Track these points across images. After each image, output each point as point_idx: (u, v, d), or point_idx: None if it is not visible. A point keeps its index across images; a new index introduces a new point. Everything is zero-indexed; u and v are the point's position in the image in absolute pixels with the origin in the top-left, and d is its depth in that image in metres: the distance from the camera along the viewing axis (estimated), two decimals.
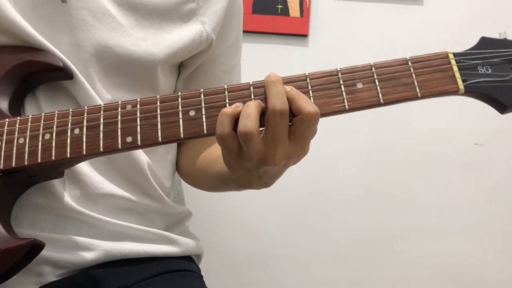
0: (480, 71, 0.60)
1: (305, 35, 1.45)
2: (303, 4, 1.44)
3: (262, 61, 1.42)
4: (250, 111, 0.57)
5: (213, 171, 0.78)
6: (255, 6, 1.45)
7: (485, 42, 0.63)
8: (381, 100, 0.59)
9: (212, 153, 0.81)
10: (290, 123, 0.58)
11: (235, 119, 0.58)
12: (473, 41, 0.64)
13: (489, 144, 1.44)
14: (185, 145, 0.89)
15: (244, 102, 0.59)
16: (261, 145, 0.57)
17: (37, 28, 0.70)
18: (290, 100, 0.57)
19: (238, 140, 0.58)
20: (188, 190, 1.16)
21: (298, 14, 1.45)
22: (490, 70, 0.60)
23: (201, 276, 0.86)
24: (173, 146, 0.89)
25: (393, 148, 1.45)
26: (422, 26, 1.43)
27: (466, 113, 1.40)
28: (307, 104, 0.57)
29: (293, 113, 0.57)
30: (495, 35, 0.64)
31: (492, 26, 1.39)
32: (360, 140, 1.45)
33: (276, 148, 0.58)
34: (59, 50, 0.70)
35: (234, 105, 0.59)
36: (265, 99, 0.59)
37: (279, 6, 1.45)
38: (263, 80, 0.60)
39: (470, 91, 0.60)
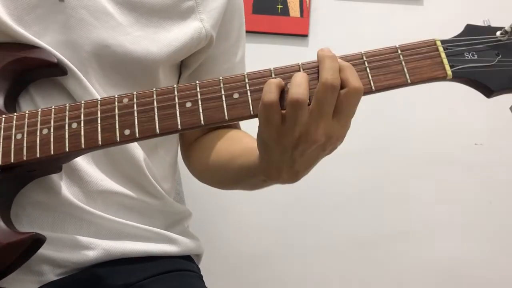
0: (466, 57, 0.63)
1: (305, 35, 1.45)
2: (303, 4, 1.44)
3: (262, 61, 1.40)
4: (301, 80, 0.57)
5: (237, 164, 0.75)
6: (255, 6, 1.45)
7: (470, 29, 0.65)
8: (373, 87, 0.60)
9: (235, 147, 0.79)
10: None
11: (281, 90, 0.58)
12: None
13: (489, 144, 1.44)
14: (201, 142, 0.87)
15: (240, 93, 0.60)
16: (306, 117, 0.57)
17: (30, 30, 0.70)
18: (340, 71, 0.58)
19: (281, 113, 0.58)
20: (189, 190, 1.16)
21: (298, 14, 1.45)
22: (476, 56, 0.63)
23: (201, 276, 0.86)
24: (173, 148, 0.88)
25: (393, 147, 1.45)
26: (422, 26, 1.43)
27: (466, 113, 1.40)
28: (356, 78, 0.58)
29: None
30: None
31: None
32: (360, 139, 1.44)
33: (319, 123, 0.57)
34: (53, 48, 0.70)
35: (278, 78, 0.59)
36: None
37: (279, 6, 1.45)
38: (261, 70, 0.62)
39: (458, 77, 0.62)
